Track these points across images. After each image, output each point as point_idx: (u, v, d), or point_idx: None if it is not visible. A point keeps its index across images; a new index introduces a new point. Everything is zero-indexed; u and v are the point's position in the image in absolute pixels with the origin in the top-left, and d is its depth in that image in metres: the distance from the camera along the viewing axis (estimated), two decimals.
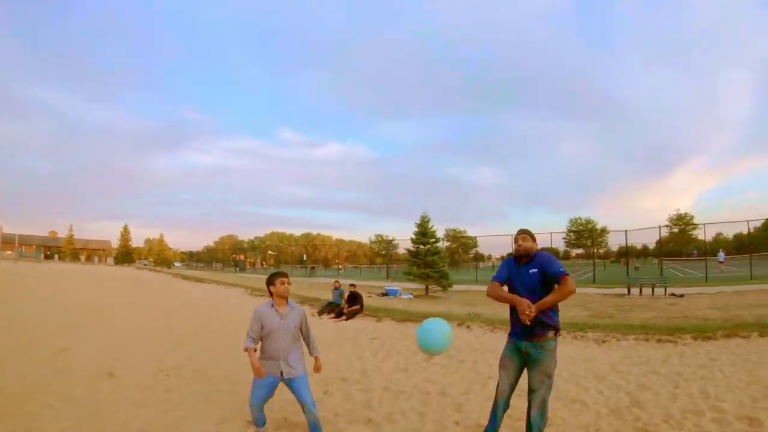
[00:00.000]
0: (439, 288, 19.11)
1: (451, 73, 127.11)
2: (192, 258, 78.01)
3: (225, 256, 70.24)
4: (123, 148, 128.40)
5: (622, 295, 15.48)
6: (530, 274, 3.20)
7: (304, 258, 64.66)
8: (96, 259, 78.51)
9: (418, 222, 20.28)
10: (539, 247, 3.40)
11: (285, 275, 3.66)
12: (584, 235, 57.99)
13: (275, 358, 3.48)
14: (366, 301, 13.55)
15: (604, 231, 51.56)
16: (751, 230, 24.73)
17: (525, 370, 3.26)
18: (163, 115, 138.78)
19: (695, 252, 40.62)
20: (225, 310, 13.18)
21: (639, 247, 48.84)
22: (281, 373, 3.47)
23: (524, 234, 3.35)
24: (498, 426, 3.35)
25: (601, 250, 46.39)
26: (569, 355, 6.57)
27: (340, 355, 6.98)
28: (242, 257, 64.41)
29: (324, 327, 9.95)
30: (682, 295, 13.96)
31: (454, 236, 55.61)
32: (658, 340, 7.37)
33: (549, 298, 3.06)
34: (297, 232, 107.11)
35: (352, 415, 4.24)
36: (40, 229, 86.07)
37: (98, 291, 19.32)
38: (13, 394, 4.79)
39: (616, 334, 7.83)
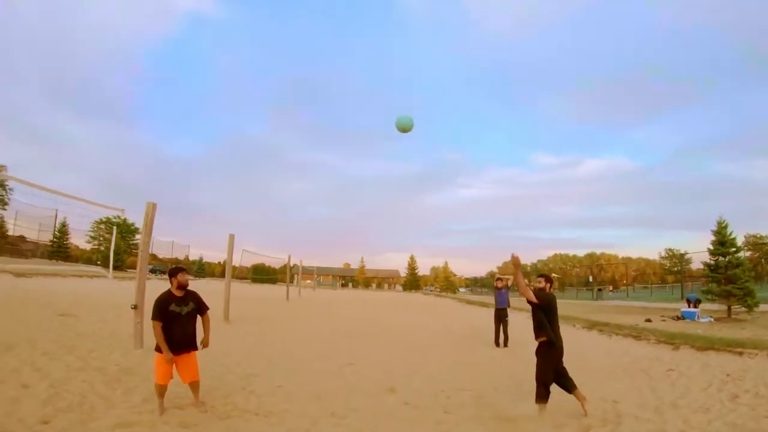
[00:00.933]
0: (743, 308, 16.12)
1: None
2: (476, 284, 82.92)
3: None
4: (400, 190, 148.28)
5: None
6: None
7: (590, 279, 61.55)
8: (386, 286, 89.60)
9: (715, 229, 17.70)
10: None
11: None
12: None
13: None
14: (660, 325, 12.66)
15: None
16: None
17: None
18: (428, 159, 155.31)
19: None
20: None
21: None
22: None
23: None
24: None
25: None
26: None
27: (632, 387, 6.64)
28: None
29: (615, 354, 9.73)
30: None
31: (755, 243, 44.43)
32: None
33: None
34: (579, 252, 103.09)
35: None
36: (335, 262, 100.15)
37: (384, 313, 21.26)
38: (299, 399, 5.35)
39: None
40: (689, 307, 17.98)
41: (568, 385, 5.24)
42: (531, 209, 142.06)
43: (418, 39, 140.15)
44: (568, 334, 7.82)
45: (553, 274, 71.53)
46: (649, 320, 16.15)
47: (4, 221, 46.13)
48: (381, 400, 5.57)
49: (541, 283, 5.39)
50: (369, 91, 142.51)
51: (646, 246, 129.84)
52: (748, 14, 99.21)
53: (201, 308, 5.01)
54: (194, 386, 5.03)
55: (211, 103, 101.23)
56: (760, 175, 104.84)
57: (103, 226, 47.02)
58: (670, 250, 76.98)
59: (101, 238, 49.24)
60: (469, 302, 33.18)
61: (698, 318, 16.34)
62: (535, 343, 5.35)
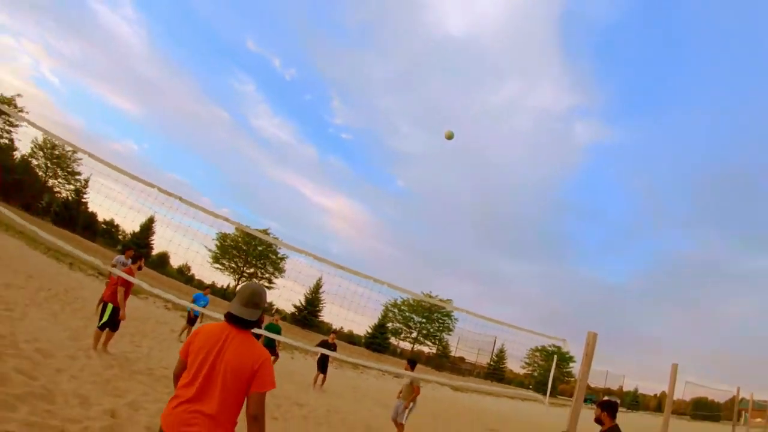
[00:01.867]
0: None
1: None
2: None
3: None
4: None
5: None
6: None
7: None
8: None
9: None
10: None
11: None
12: None
13: None
14: None
15: None
16: None
17: None
18: None
19: None
20: None
21: None
22: None
23: None
24: None
25: None
26: None
27: None
28: None
29: None
30: None
31: None
32: None
33: None
34: None
35: None
36: None
37: None
38: None
39: None
40: None
41: None
42: None
43: None
44: None
45: None
46: None
47: (448, 344, 56.24)
48: None
49: None
50: None
51: None
52: None
53: None
54: None
55: (637, 225, 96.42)
56: None
57: (538, 354, 49.78)
58: None
59: (535, 365, 52.04)
60: None
61: None
62: None
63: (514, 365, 56.54)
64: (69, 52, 73.82)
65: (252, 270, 55.22)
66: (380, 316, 55.23)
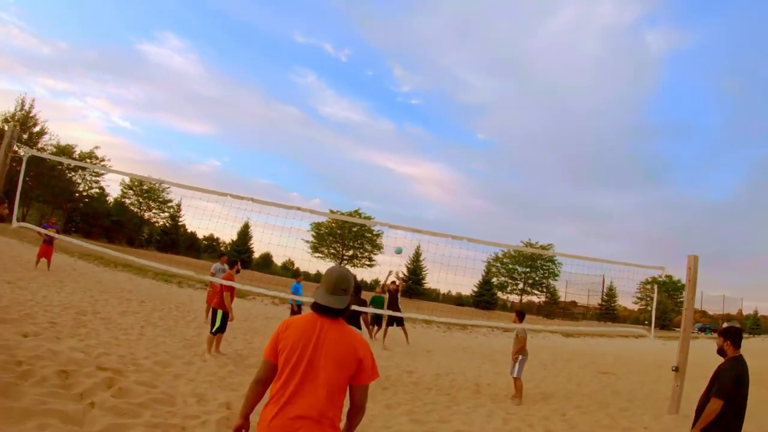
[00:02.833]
0: None
1: None
2: None
3: None
4: None
5: None
6: None
7: None
8: None
9: None
10: None
11: None
12: None
13: None
14: None
15: None
16: None
17: None
18: None
19: None
20: None
21: None
22: None
23: None
24: None
25: None
26: None
27: None
28: None
29: None
30: None
31: None
32: None
33: None
34: None
35: None
36: None
37: None
38: None
39: None
40: None
41: None
42: None
43: None
44: None
45: None
46: None
47: (556, 290, 54.55)
48: None
49: None
50: None
51: None
52: None
53: None
54: None
55: (732, 134, 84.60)
56: None
57: (649, 286, 47.26)
58: None
59: (648, 298, 49.54)
60: None
61: None
62: None
63: (627, 302, 53.85)
64: (132, 96, 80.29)
65: (351, 252, 57.03)
66: (483, 273, 54.97)
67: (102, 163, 45.63)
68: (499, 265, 58.36)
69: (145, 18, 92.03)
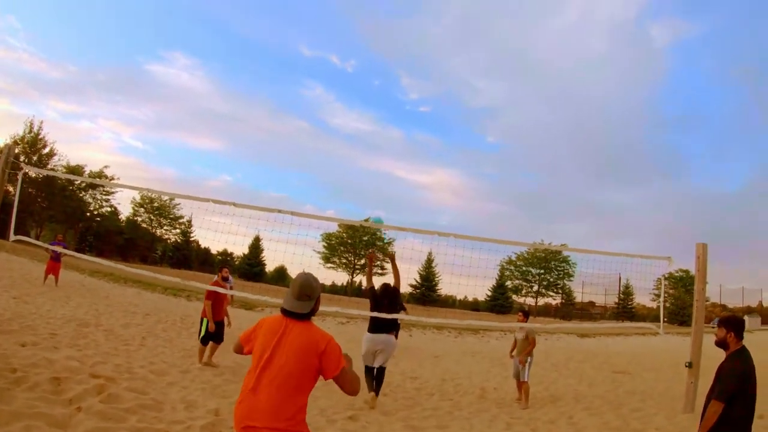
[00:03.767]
0: None
1: None
2: None
3: None
4: None
5: None
6: None
7: None
8: None
9: None
10: None
11: None
12: None
13: None
14: None
15: None
16: None
17: None
18: None
19: None
20: None
21: None
22: None
23: None
24: None
25: None
26: None
27: None
28: None
29: None
30: None
31: None
32: None
33: None
34: None
35: None
36: None
37: None
38: None
39: None
40: None
41: None
42: None
43: None
44: None
45: None
46: None
47: (571, 291, 53.60)
48: None
49: None
50: None
51: None
52: None
53: None
54: None
55: (743, 123, 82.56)
56: None
57: (666, 282, 46.27)
58: None
59: (666, 294, 48.24)
60: None
61: None
62: None
63: (645, 299, 52.72)
64: (142, 115, 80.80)
65: (363, 261, 56.33)
66: (497, 276, 54.17)
67: (112, 181, 46.20)
68: (512, 267, 57.69)
69: (152, 38, 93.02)
